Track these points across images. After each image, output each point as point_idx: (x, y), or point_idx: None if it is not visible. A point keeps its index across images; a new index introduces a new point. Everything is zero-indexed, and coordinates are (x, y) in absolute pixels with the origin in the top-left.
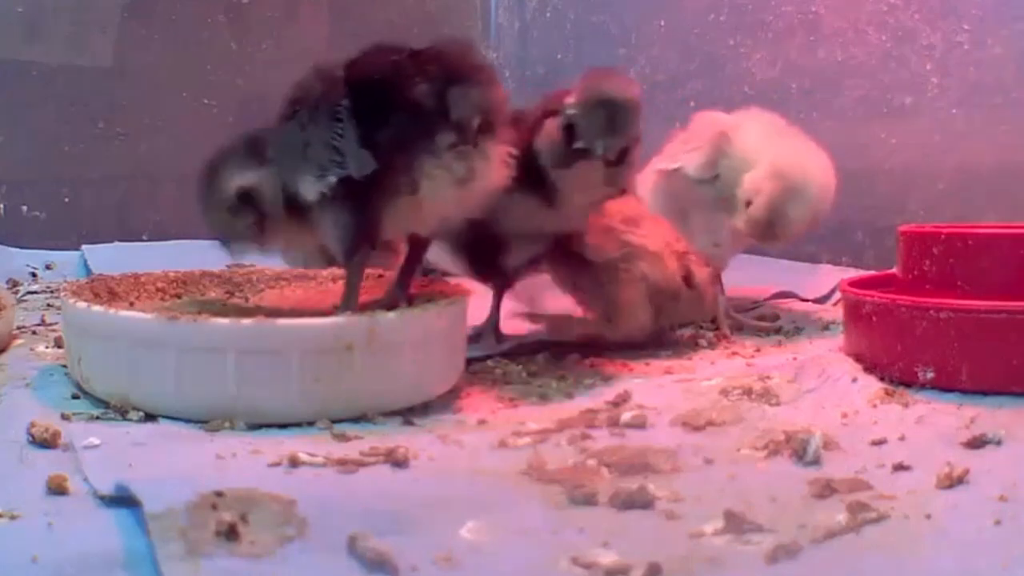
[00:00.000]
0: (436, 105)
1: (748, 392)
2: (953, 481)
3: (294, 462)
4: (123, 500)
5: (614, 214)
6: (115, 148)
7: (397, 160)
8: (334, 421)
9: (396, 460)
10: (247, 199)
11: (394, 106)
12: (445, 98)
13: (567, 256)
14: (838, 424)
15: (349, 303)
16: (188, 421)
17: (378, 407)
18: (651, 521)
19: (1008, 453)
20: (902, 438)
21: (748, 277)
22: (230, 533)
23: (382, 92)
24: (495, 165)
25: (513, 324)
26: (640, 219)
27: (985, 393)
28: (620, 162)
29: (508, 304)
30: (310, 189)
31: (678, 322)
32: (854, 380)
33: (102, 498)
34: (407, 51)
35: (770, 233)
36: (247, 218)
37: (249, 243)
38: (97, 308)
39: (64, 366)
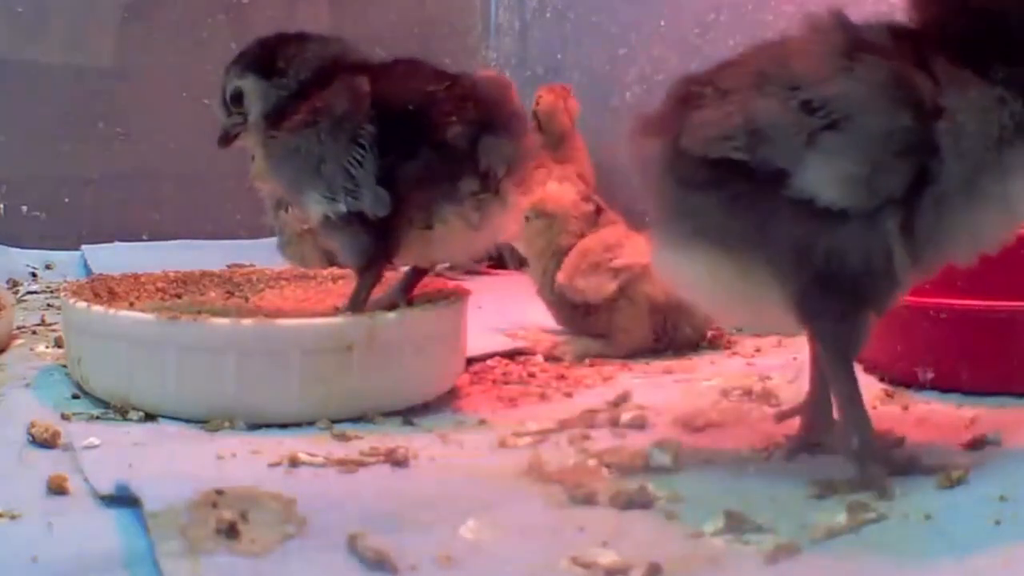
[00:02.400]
0: (466, 150)
1: (748, 392)
2: (953, 481)
3: (294, 462)
4: (123, 500)
5: (594, 247)
6: (115, 148)
7: (416, 196)
8: (334, 421)
9: (396, 460)
10: None
11: (422, 142)
12: (476, 144)
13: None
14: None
15: (355, 307)
16: (188, 421)
17: (378, 407)
18: (651, 521)
19: (1008, 453)
20: (902, 438)
21: None
22: (230, 531)
23: (411, 125)
24: (509, 211)
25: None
26: (621, 241)
27: (985, 393)
28: None
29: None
30: (315, 208)
31: (699, 330)
32: None
33: (102, 498)
34: (444, 81)
35: None
36: None
37: None
38: (97, 308)
39: (64, 366)
